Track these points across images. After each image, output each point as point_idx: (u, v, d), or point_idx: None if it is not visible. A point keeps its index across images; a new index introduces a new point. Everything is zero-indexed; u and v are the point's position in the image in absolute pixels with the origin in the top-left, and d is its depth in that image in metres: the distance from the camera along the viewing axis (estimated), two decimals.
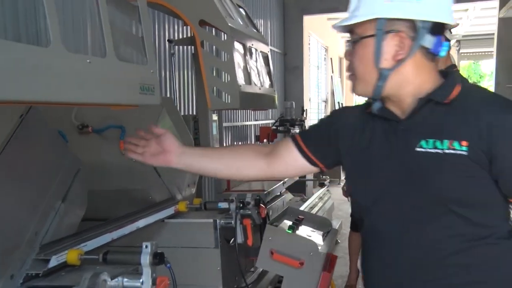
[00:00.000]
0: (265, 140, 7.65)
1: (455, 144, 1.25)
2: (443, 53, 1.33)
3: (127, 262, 1.62)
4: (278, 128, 7.79)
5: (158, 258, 1.57)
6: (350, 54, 1.38)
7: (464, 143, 1.24)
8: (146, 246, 1.55)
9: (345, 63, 1.52)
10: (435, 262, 1.34)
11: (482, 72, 25.76)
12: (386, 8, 1.26)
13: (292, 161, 1.61)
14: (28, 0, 1.09)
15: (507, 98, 1.33)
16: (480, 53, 16.32)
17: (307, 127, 1.68)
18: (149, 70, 1.54)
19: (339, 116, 1.61)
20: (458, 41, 14.77)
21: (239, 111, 7.54)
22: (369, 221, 1.50)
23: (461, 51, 15.46)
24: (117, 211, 2.24)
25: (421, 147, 1.30)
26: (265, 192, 3.68)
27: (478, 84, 2.56)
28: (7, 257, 1.47)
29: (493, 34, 9.53)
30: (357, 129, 1.48)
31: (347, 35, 1.41)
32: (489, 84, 9.46)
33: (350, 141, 1.49)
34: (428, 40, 1.28)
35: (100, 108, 2.47)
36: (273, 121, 8.52)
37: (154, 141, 1.67)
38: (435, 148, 1.28)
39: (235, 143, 7.75)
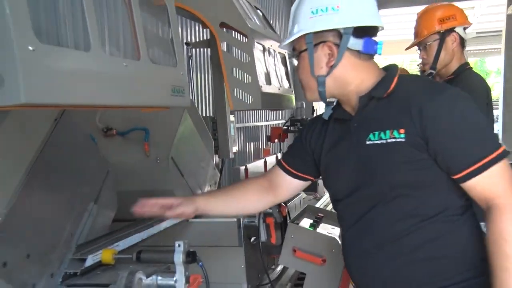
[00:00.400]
0: (276, 140, 7.64)
1: (395, 133, 1.34)
2: (379, 51, 1.43)
3: (160, 260, 1.65)
4: (289, 128, 7.76)
5: (191, 257, 1.58)
6: (296, 68, 1.53)
7: (402, 130, 1.33)
8: (179, 245, 1.57)
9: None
10: (394, 243, 1.41)
11: (488, 70, 25.77)
12: (310, 23, 1.39)
13: (288, 185, 1.75)
14: (69, 7, 1.08)
15: (433, 82, 1.46)
16: (486, 50, 16.18)
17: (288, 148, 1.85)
18: (179, 72, 1.55)
19: (307, 129, 1.69)
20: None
21: (250, 112, 7.54)
22: (339, 213, 1.62)
23: (466, 49, 15.32)
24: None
25: (370, 140, 1.40)
26: None
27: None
28: (46, 256, 1.49)
29: (499, 31, 9.50)
30: (321, 135, 1.60)
31: None
32: (496, 80, 9.39)
33: (319, 149, 1.61)
34: (355, 43, 1.38)
35: (123, 110, 2.48)
36: (283, 121, 8.50)
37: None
38: (380, 139, 1.37)
39: (247, 144, 7.76)
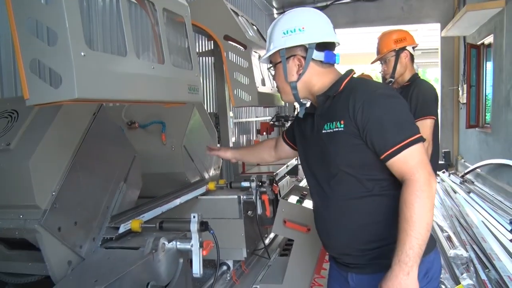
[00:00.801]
0: (264, 133, 7.67)
1: (338, 124, 1.40)
2: (337, 61, 1.50)
3: (178, 229, 1.66)
4: (275, 123, 7.79)
5: (204, 226, 1.60)
6: (273, 76, 1.58)
7: (342, 121, 1.39)
8: (194, 216, 1.58)
9: None
10: (349, 210, 1.45)
11: (428, 79, 27.01)
12: (282, 41, 1.46)
13: (285, 149, 1.91)
14: (111, 23, 1.10)
15: (373, 83, 1.47)
16: (426, 63, 16.77)
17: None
18: (194, 74, 1.56)
19: (295, 118, 1.75)
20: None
21: (243, 109, 7.55)
22: (309, 189, 1.65)
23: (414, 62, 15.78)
24: (160, 190, 2.25)
25: (324, 129, 1.45)
26: (275, 174, 3.70)
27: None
28: (89, 224, 1.51)
29: (436, 48, 9.89)
30: (300, 123, 1.66)
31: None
32: (435, 87, 9.92)
33: (298, 132, 1.69)
34: (318, 55, 1.45)
35: (145, 106, 2.49)
36: (270, 117, 8.53)
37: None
38: (330, 128, 1.43)
39: (241, 136, 7.76)
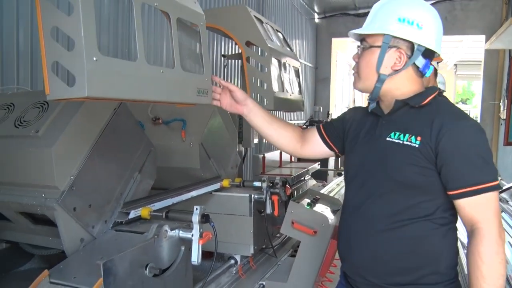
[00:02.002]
0: None
1: (412, 138, 1.30)
2: (428, 73, 1.39)
3: (182, 219, 1.78)
4: (308, 127, 7.85)
5: (205, 218, 1.72)
6: (358, 57, 1.42)
7: (419, 138, 1.29)
8: (196, 209, 1.70)
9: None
10: (378, 232, 1.35)
11: (473, 91, 26.00)
12: (395, 28, 1.31)
13: (316, 145, 1.69)
14: (122, 30, 1.25)
15: (462, 111, 1.36)
16: (472, 75, 16.19)
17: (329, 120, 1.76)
18: (205, 78, 1.67)
19: (349, 114, 1.65)
20: (455, 65, 14.54)
21: (277, 113, 7.65)
22: (345, 194, 1.53)
23: (457, 73, 15.31)
24: (175, 184, 2.39)
25: (390, 137, 1.35)
26: (292, 176, 3.79)
27: (456, 101, 2.67)
28: (102, 208, 1.68)
29: (480, 61, 9.60)
30: (357, 122, 1.55)
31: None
32: (478, 101, 9.63)
33: (353, 132, 1.55)
34: (420, 61, 1.34)
35: (168, 105, 2.66)
36: (304, 121, 8.59)
37: (229, 94, 1.68)
38: (399, 139, 1.33)
39: None
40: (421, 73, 1.38)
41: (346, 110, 1.77)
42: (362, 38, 1.41)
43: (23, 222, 1.69)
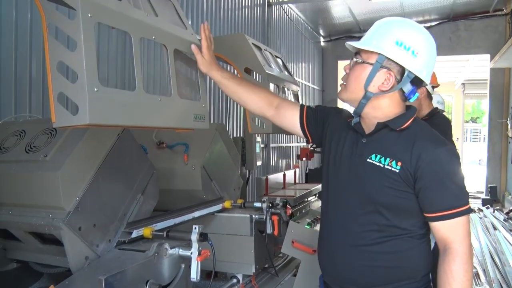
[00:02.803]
0: (304, 159, 7.80)
1: (393, 163, 1.35)
2: (412, 99, 1.41)
3: (182, 238, 1.86)
4: (315, 149, 7.91)
5: (203, 237, 1.78)
6: (349, 68, 1.46)
7: (399, 163, 1.34)
8: (195, 228, 1.78)
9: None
10: (362, 247, 1.41)
11: (483, 110, 25.94)
12: (391, 50, 1.33)
13: (290, 123, 1.71)
14: (122, 62, 1.38)
15: (438, 135, 1.41)
16: (480, 94, 16.27)
17: (314, 106, 1.75)
18: (201, 105, 1.79)
19: (334, 113, 1.66)
20: (463, 84, 14.63)
21: (283, 134, 7.77)
22: (323, 208, 1.57)
23: (465, 92, 15.38)
24: (179, 205, 2.45)
25: (370, 159, 1.39)
26: (295, 197, 3.85)
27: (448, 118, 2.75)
28: (107, 227, 1.78)
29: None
30: (338, 130, 1.57)
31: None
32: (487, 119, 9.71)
33: (330, 136, 1.58)
34: (407, 87, 1.38)
35: (171, 130, 2.78)
36: (308, 144, 8.67)
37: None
38: (380, 162, 1.37)
39: (280, 160, 7.96)
40: (405, 98, 1.42)
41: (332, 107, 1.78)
42: (357, 51, 1.43)
43: (32, 241, 1.80)
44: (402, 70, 1.36)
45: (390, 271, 1.39)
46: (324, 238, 1.55)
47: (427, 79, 1.39)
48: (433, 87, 2.95)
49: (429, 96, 2.95)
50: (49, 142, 1.73)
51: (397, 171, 1.33)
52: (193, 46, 1.68)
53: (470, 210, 1.32)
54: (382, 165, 1.36)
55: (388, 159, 1.35)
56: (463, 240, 1.30)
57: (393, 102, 1.42)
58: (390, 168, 1.34)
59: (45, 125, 1.84)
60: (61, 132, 1.75)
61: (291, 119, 1.70)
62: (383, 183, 1.35)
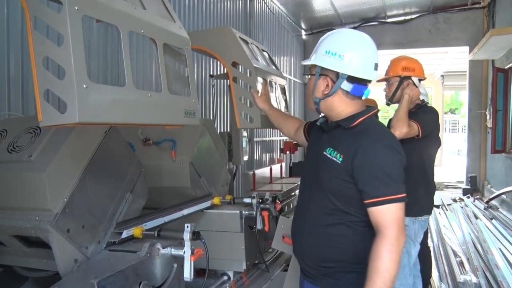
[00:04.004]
0: (287, 152, 7.82)
1: (338, 156, 1.55)
2: (365, 95, 1.62)
3: (174, 237, 1.83)
4: (298, 143, 7.92)
5: (196, 235, 1.76)
6: (307, 82, 1.70)
7: (342, 156, 1.53)
8: (188, 226, 1.75)
9: None
10: (317, 228, 1.62)
11: (461, 101, 26.66)
12: (322, 59, 1.57)
13: (301, 137, 2.07)
14: (111, 58, 1.33)
15: (384, 132, 1.60)
16: (459, 86, 16.66)
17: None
18: (192, 100, 1.76)
19: (313, 123, 1.93)
20: (442, 76, 14.92)
21: (267, 129, 7.75)
22: (298, 195, 1.84)
23: (444, 83, 15.70)
24: (168, 203, 2.44)
25: (325, 152, 1.59)
26: (282, 192, 3.84)
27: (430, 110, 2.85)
28: (96, 228, 1.73)
29: (466, 71, 9.87)
30: (315, 131, 1.81)
31: None
32: (466, 110, 9.96)
33: (311, 137, 1.85)
34: (346, 86, 1.56)
35: (157, 127, 2.73)
36: None
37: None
38: (330, 155, 1.57)
39: (264, 154, 7.95)
40: (353, 96, 1.59)
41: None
42: (310, 67, 1.67)
43: (17, 245, 1.73)
44: (337, 73, 1.55)
45: (335, 250, 1.58)
46: (294, 220, 1.77)
47: (362, 75, 1.55)
48: (419, 80, 2.94)
49: None
50: (33, 141, 1.66)
51: (339, 162, 1.53)
52: (252, 91, 2.40)
53: (400, 200, 1.47)
54: (331, 157, 1.56)
55: (335, 152, 1.56)
56: (391, 224, 1.44)
57: (342, 102, 1.60)
58: (335, 160, 1.55)
59: (28, 124, 1.77)
60: (45, 131, 1.68)
61: (301, 133, 2.08)
62: (330, 172, 1.56)
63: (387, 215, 1.45)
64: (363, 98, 1.64)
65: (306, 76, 1.69)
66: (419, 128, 2.66)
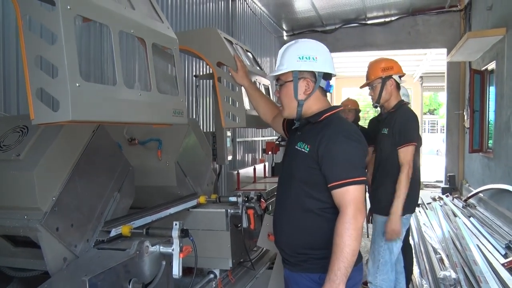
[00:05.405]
0: (270, 152, 7.87)
1: (305, 146, 1.73)
2: (331, 90, 1.84)
3: (162, 235, 1.86)
4: (281, 143, 7.99)
5: (184, 233, 1.80)
6: (278, 93, 1.84)
7: (309, 146, 1.72)
8: (176, 224, 1.79)
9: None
10: (292, 216, 1.77)
11: (440, 102, 27.24)
12: (297, 64, 1.73)
13: (279, 127, 2.19)
14: (103, 57, 1.35)
15: (345, 126, 1.75)
16: (438, 87, 17.07)
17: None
18: (180, 99, 1.79)
19: (290, 123, 2.03)
20: (421, 77, 15.25)
21: (249, 129, 7.80)
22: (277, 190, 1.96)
23: (423, 84, 16.08)
24: (154, 202, 2.46)
25: (297, 145, 1.77)
26: (266, 191, 3.89)
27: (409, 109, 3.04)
28: (84, 227, 1.75)
29: (445, 72, 10.11)
30: (291, 133, 1.96)
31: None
32: (444, 111, 10.26)
33: (288, 140, 2.01)
34: (323, 83, 1.76)
35: (142, 126, 2.74)
36: (276, 137, 8.75)
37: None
38: (299, 147, 1.75)
39: (246, 154, 7.99)
40: (325, 91, 1.81)
41: None
42: (277, 78, 1.83)
43: (3, 245, 1.73)
44: (313, 73, 1.75)
45: (308, 239, 1.73)
46: (274, 213, 1.93)
47: (332, 70, 1.78)
48: (400, 77, 3.04)
49: (398, 87, 3.05)
50: (20, 140, 1.67)
51: (307, 152, 1.71)
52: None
53: (358, 182, 1.63)
54: (300, 149, 1.74)
55: (303, 144, 1.74)
56: (349, 204, 1.60)
57: (317, 99, 1.79)
58: (303, 150, 1.72)
59: (14, 123, 1.78)
60: (33, 129, 1.69)
61: (280, 123, 2.18)
62: (299, 162, 1.73)
63: (346, 195, 1.62)
64: (330, 93, 1.83)
65: (276, 86, 1.84)
66: (411, 145, 2.83)
